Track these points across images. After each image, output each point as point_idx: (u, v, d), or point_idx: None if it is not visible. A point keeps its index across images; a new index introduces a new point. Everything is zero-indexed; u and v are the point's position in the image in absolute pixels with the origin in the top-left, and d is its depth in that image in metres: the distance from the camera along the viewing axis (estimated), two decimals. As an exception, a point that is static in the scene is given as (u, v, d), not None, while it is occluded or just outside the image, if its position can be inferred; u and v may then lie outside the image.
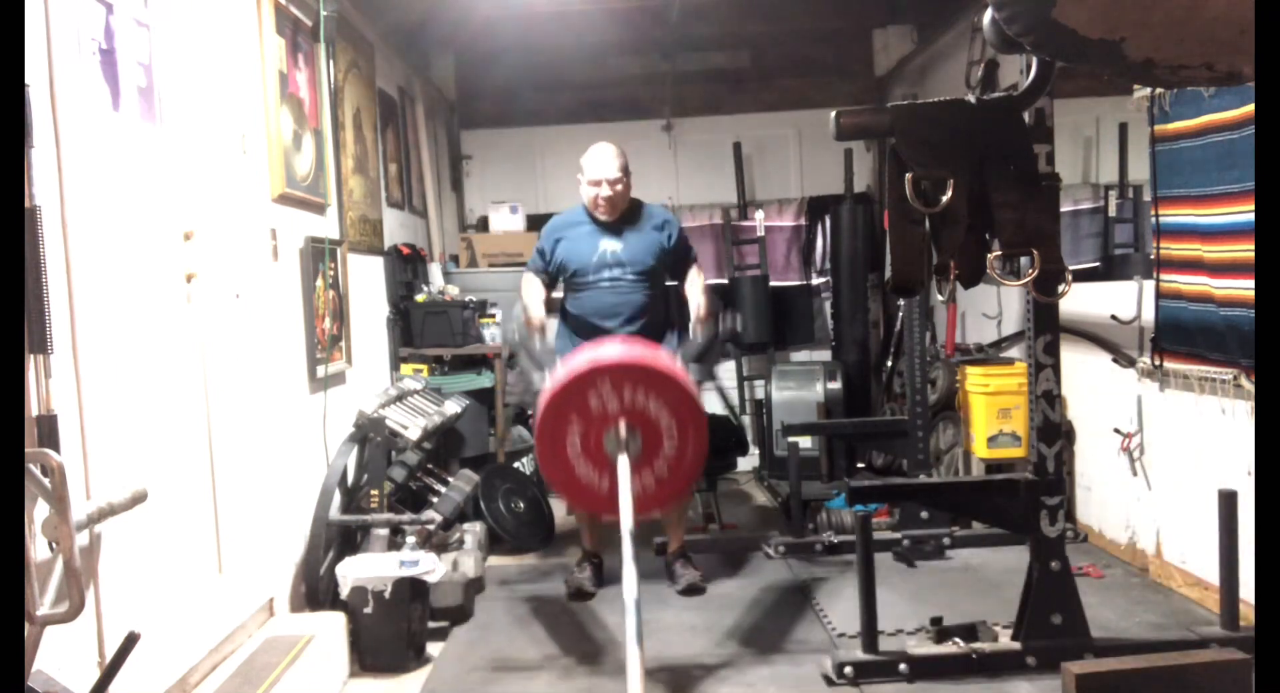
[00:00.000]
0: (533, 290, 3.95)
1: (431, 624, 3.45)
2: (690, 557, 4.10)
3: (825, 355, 6.36)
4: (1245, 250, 3.09)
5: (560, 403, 2.72)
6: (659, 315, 4.03)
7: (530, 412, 5.34)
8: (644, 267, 3.91)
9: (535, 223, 6.24)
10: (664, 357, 2.96)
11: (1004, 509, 3.20)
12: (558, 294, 4.13)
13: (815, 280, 6.53)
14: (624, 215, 3.96)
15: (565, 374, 2.77)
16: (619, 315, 3.89)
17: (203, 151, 2.89)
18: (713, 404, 6.21)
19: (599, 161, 3.88)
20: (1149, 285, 3.72)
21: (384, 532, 3.57)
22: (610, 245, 3.91)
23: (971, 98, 2.89)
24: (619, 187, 3.85)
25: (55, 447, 1.97)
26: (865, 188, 6.49)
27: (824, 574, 4.09)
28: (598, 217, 3.95)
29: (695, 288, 3.94)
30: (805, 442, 5.17)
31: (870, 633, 3.06)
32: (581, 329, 3.93)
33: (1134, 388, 3.91)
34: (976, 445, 4.64)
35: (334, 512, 3.59)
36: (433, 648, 3.41)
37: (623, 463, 2.65)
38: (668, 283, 4.10)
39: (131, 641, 1.96)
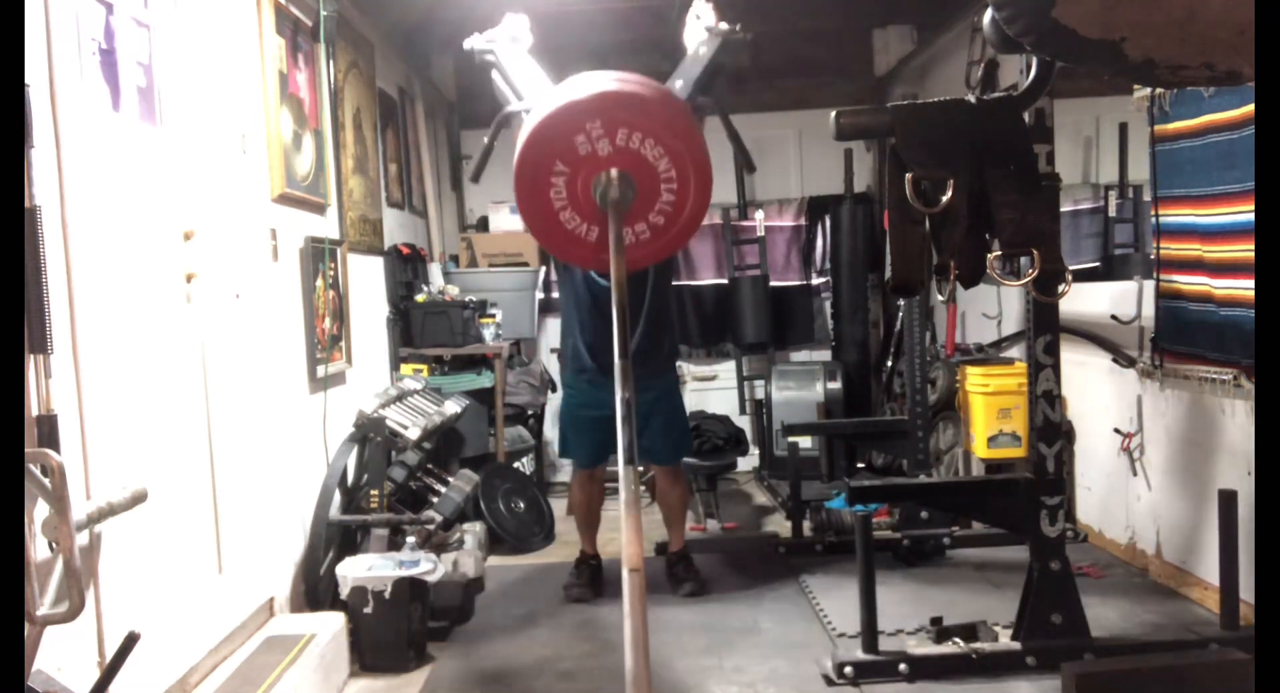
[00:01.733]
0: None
1: (431, 624, 3.45)
2: (692, 560, 4.09)
3: (825, 355, 6.36)
4: (1245, 250, 3.09)
5: (544, 144, 2.33)
6: (659, 345, 3.98)
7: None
8: (638, 277, 3.75)
9: (535, 223, 6.24)
10: (662, 88, 2.54)
11: (1004, 509, 3.21)
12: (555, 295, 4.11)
13: (815, 280, 6.53)
14: None
15: (547, 109, 2.37)
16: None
17: (203, 151, 2.89)
18: (714, 405, 6.23)
19: None
20: (1149, 285, 3.72)
21: (384, 532, 3.58)
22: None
23: (971, 98, 2.89)
24: None
25: (55, 447, 1.97)
26: (865, 188, 6.49)
27: (824, 574, 4.09)
28: None
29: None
30: (805, 442, 5.17)
31: (870, 633, 3.06)
32: (582, 361, 3.93)
33: (1134, 388, 3.91)
34: (976, 445, 4.64)
35: (334, 512, 3.59)
36: (433, 648, 3.41)
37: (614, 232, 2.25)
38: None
39: (131, 641, 1.96)
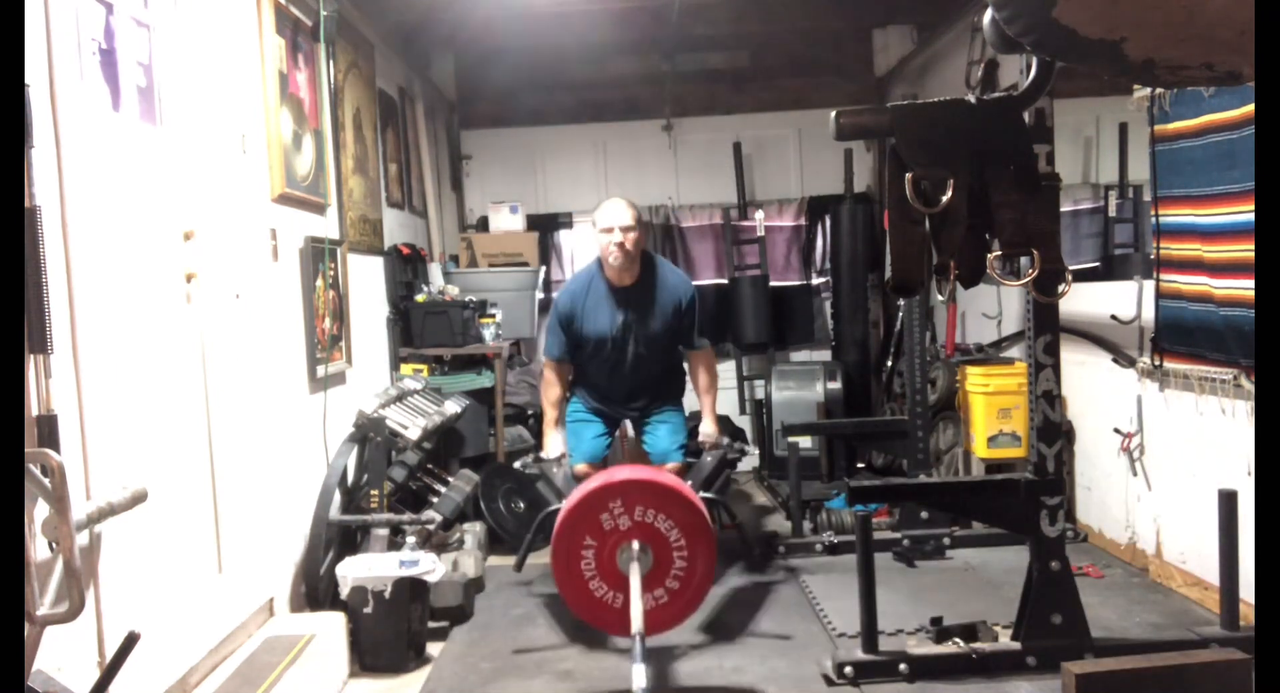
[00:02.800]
0: (552, 394, 4.11)
1: (431, 624, 3.45)
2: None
3: (825, 355, 6.36)
4: (1245, 250, 3.09)
5: (574, 522, 2.87)
6: (671, 384, 4.17)
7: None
8: (658, 341, 3.98)
9: (535, 223, 6.25)
10: (672, 477, 3.13)
11: (1004, 509, 3.20)
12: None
13: (815, 280, 6.53)
14: (640, 279, 3.96)
15: (578, 495, 2.92)
16: (631, 384, 4.03)
17: (203, 151, 2.89)
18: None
19: (612, 211, 3.89)
20: (1149, 285, 3.72)
21: (384, 532, 3.57)
22: (626, 317, 3.95)
23: (971, 98, 2.89)
24: (631, 234, 3.83)
25: (55, 447, 1.97)
26: (865, 188, 6.49)
27: (824, 574, 4.09)
28: (610, 274, 3.93)
29: (707, 395, 4.11)
30: (805, 442, 5.17)
31: (870, 633, 3.06)
32: (595, 391, 4.11)
33: (1134, 388, 3.91)
34: (976, 445, 4.64)
35: (334, 512, 3.59)
36: (433, 648, 3.41)
37: (634, 572, 2.79)
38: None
39: (131, 641, 1.96)
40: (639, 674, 2.53)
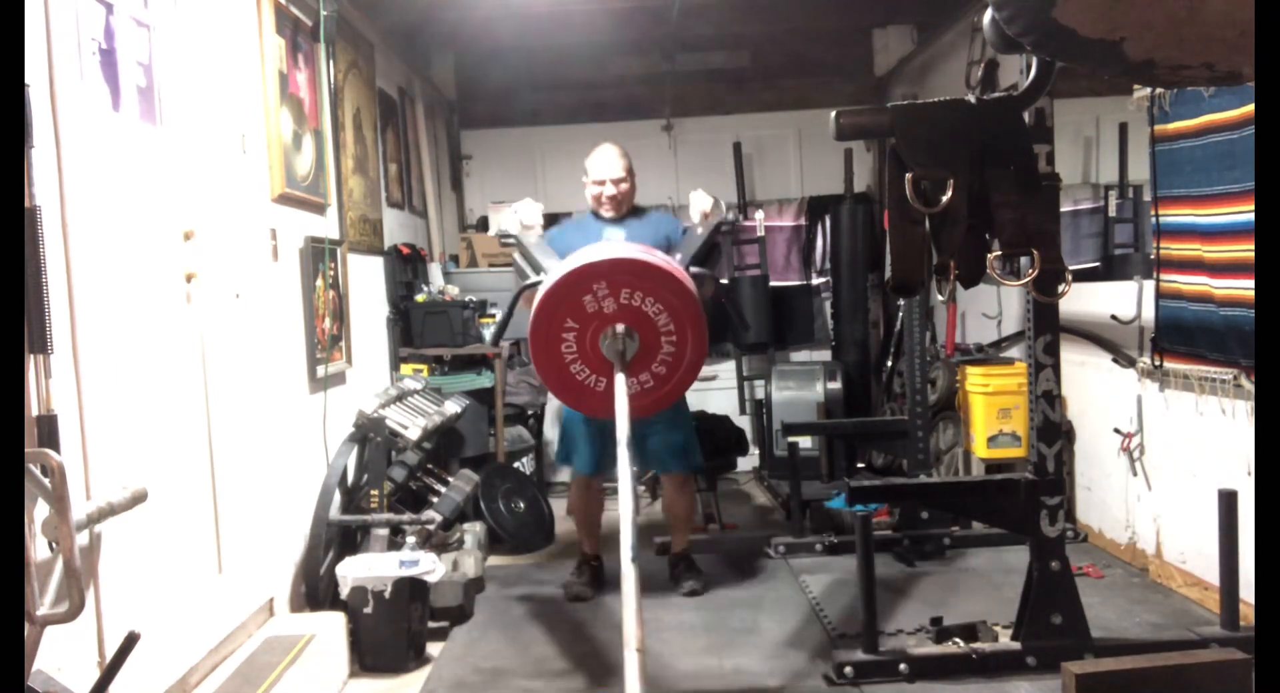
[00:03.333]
0: (528, 206, 3.81)
1: (431, 624, 3.45)
2: (694, 561, 4.09)
3: (825, 355, 6.36)
4: (1245, 250, 3.09)
5: (555, 304, 2.62)
6: None
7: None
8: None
9: (535, 223, 6.25)
10: (662, 256, 2.83)
11: (1004, 509, 3.20)
12: None
13: (815, 280, 6.53)
14: (629, 212, 3.92)
15: (560, 274, 2.65)
16: None
17: (203, 151, 2.89)
18: (714, 405, 6.22)
19: (603, 161, 3.85)
20: (1149, 285, 3.72)
21: (384, 532, 3.58)
22: (613, 233, 3.82)
23: (971, 98, 2.89)
24: (623, 186, 3.82)
25: (55, 447, 1.97)
26: (865, 188, 6.49)
27: (824, 575, 4.09)
28: (602, 214, 3.91)
29: (700, 195, 3.71)
30: (805, 442, 5.17)
31: (870, 633, 3.06)
32: None
33: (1134, 388, 3.91)
34: (976, 445, 4.64)
35: (334, 512, 3.59)
36: (433, 648, 3.41)
37: (620, 382, 2.50)
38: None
39: (131, 641, 1.96)
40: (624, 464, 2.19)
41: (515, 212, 3.62)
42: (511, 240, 3.50)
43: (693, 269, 3.05)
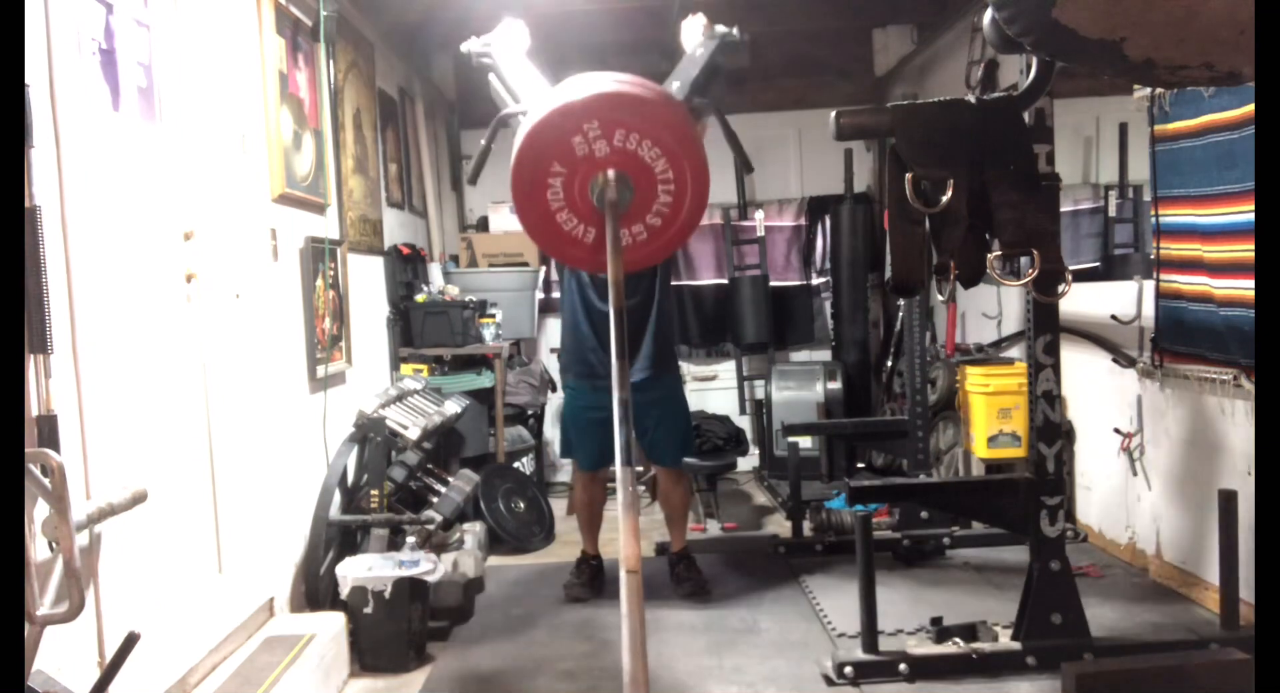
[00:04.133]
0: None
1: (431, 624, 3.45)
2: (693, 560, 4.09)
3: (825, 355, 6.36)
4: (1245, 250, 3.09)
5: (541, 146, 2.34)
6: (663, 349, 3.98)
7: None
8: (637, 276, 3.78)
9: (535, 223, 6.24)
10: (659, 89, 2.54)
11: (1004, 509, 3.21)
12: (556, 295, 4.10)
13: (815, 280, 6.53)
14: None
15: (545, 110, 2.37)
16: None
17: (203, 151, 2.89)
18: (714, 405, 6.23)
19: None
20: (1149, 285, 3.72)
21: (384, 532, 3.58)
22: None
23: (971, 98, 2.89)
24: None
25: (55, 447, 1.97)
26: (865, 188, 6.49)
27: (824, 574, 4.09)
28: None
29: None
30: (805, 442, 5.17)
31: (870, 633, 3.06)
32: (589, 354, 3.92)
33: (1134, 388, 3.91)
34: (976, 445, 4.64)
35: (334, 512, 3.59)
36: (433, 648, 3.41)
37: (611, 234, 2.26)
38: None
39: (131, 641, 1.96)
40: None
41: (498, 32, 3.04)
42: (488, 59, 2.96)
43: (694, 101, 2.71)
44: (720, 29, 2.84)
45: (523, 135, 2.34)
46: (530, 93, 2.68)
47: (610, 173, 2.29)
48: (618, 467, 2.03)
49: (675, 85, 2.64)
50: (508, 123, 2.63)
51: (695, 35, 2.90)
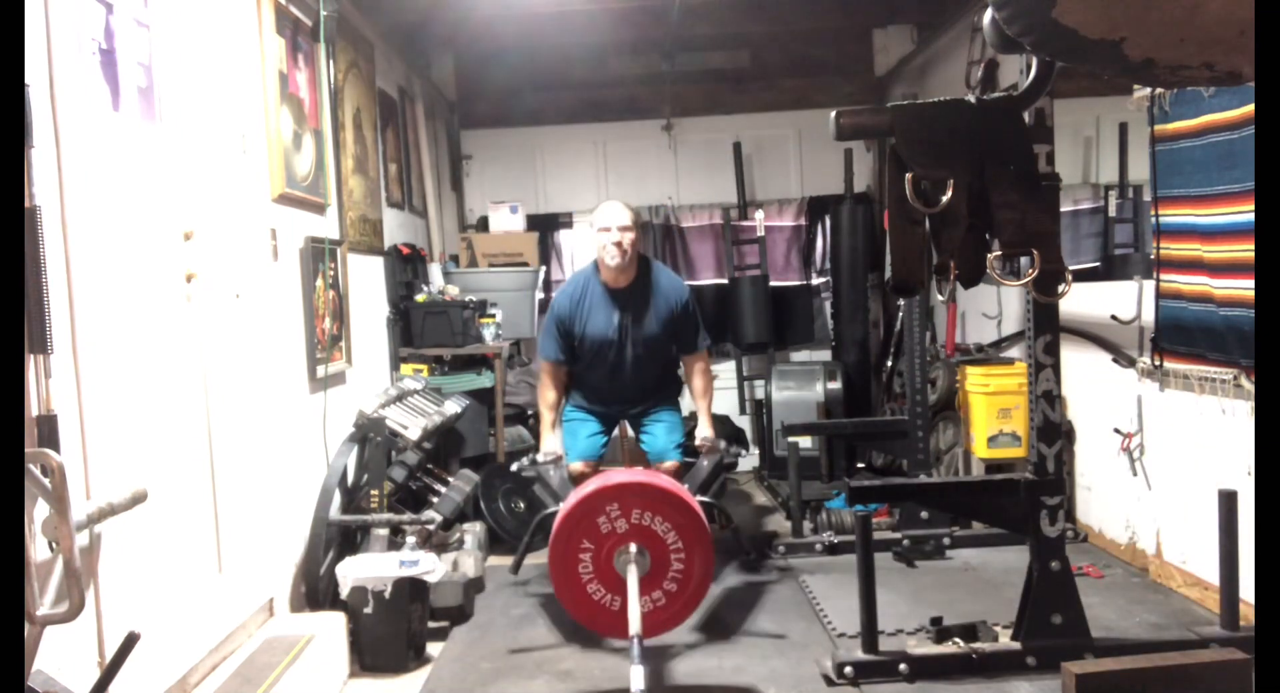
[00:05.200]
0: (549, 397, 4.09)
1: (431, 624, 3.45)
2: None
3: (825, 355, 6.36)
4: (1245, 250, 3.09)
5: (571, 526, 2.89)
6: (668, 385, 4.19)
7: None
8: (655, 342, 4.00)
9: (535, 223, 6.25)
10: (669, 480, 3.13)
11: (1004, 509, 3.20)
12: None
13: (815, 280, 6.53)
14: (635, 281, 3.99)
15: (575, 499, 2.93)
16: (628, 385, 4.04)
17: (203, 151, 2.89)
18: (714, 405, 6.22)
19: (610, 211, 3.96)
20: (1149, 285, 3.72)
21: (384, 532, 3.58)
22: (624, 318, 3.97)
23: (971, 98, 2.89)
24: (629, 235, 3.87)
25: (55, 447, 1.97)
26: (865, 188, 6.49)
27: (824, 574, 4.09)
28: (606, 276, 3.96)
29: (703, 399, 4.10)
30: (805, 442, 5.17)
31: (870, 633, 3.06)
32: (592, 393, 4.12)
33: (1134, 388, 3.91)
34: (976, 445, 4.64)
35: (334, 512, 3.59)
36: (433, 648, 3.41)
37: (632, 575, 2.82)
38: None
39: (131, 641, 1.96)
40: (637, 676, 2.53)
41: (543, 453, 3.96)
42: (533, 472, 3.87)
43: (699, 499, 3.33)
44: (721, 447, 3.94)
45: (558, 519, 2.93)
46: (564, 492, 3.49)
47: (632, 545, 2.84)
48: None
49: (685, 486, 3.27)
50: (548, 522, 3.34)
51: (703, 444, 3.95)
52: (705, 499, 3.61)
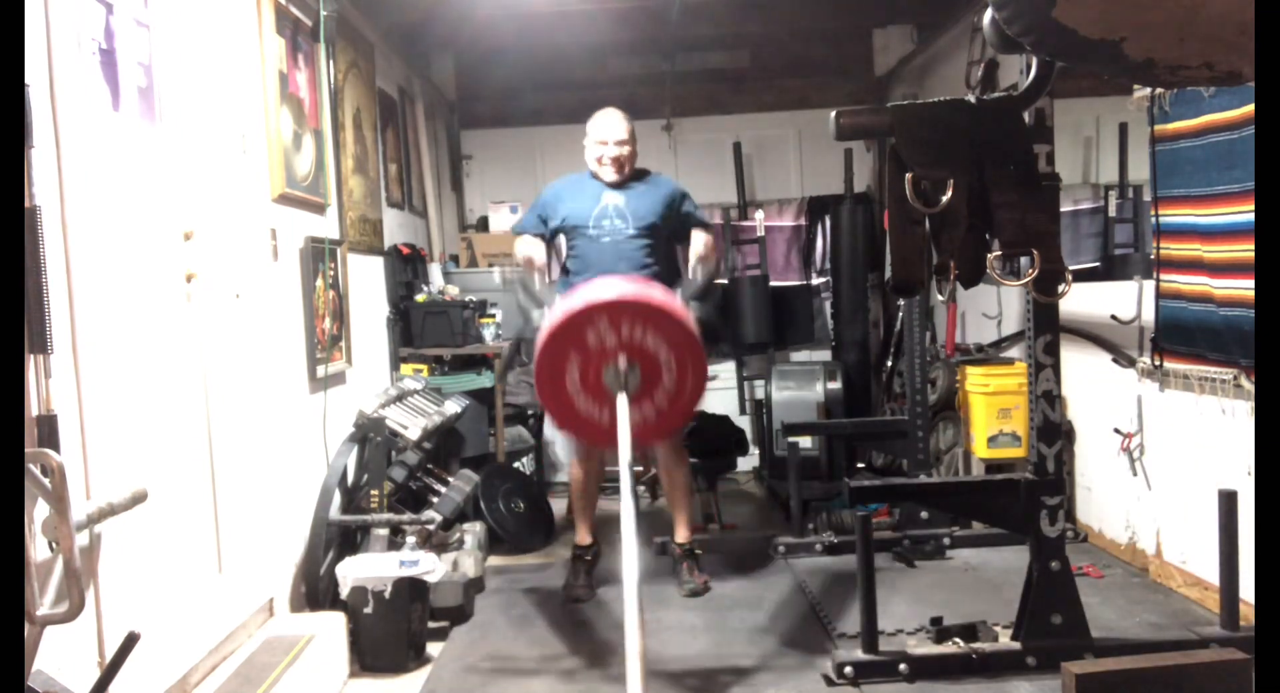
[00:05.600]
0: (529, 242, 3.92)
1: (431, 624, 3.45)
2: (698, 558, 4.09)
3: (825, 355, 6.35)
4: (1245, 250, 3.09)
5: (559, 340, 2.69)
6: (663, 275, 3.93)
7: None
8: (647, 222, 3.86)
9: (535, 223, 6.25)
10: (661, 292, 2.94)
11: (1004, 509, 3.20)
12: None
13: (815, 280, 6.53)
14: (630, 176, 3.92)
15: (563, 312, 2.73)
16: (618, 272, 3.74)
17: (203, 151, 2.89)
18: (714, 405, 6.22)
19: (606, 123, 3.87)
20: (1149, 285, 3.72)
21: (384, 532, 3.58)
22: (613, 199, 3.85)
23: (971, 98, 2.89)
24: (625, 148, 3.83)
25: (55, 447, 1.97)
26: (865, 188, 6.49)
27: (824, 574, 4.08)
28: (602, 177, 3.89)
29: (698, 237, 3.91)
30: (805, 442, 5.17)
31: (870, 633, 3.06)
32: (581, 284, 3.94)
33: (1134, 388, 3.91)
34: (976, 445, 4.64)
35: (334, 512, 3.60)
36: (433, 648, 3.41)
37: (621, 400, 2.62)
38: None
39: (131, 641, 1.96)
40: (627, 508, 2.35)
41: (518, 250, 3.73)
42: (514, 280, 3.59)
43: (692, 304, 3.17)
44: (711, 261, 3.79)
45: (544, 333, 2.72)
46: (550, 303, 3.18)
47: (621, 359, 2.64)
48: (625, 530, 2.31)
49: (677, 294, 3.11)
50: (530, 336, 3.10)
51: (695, 254, 3.80)
52: (698, 304, 3.37)
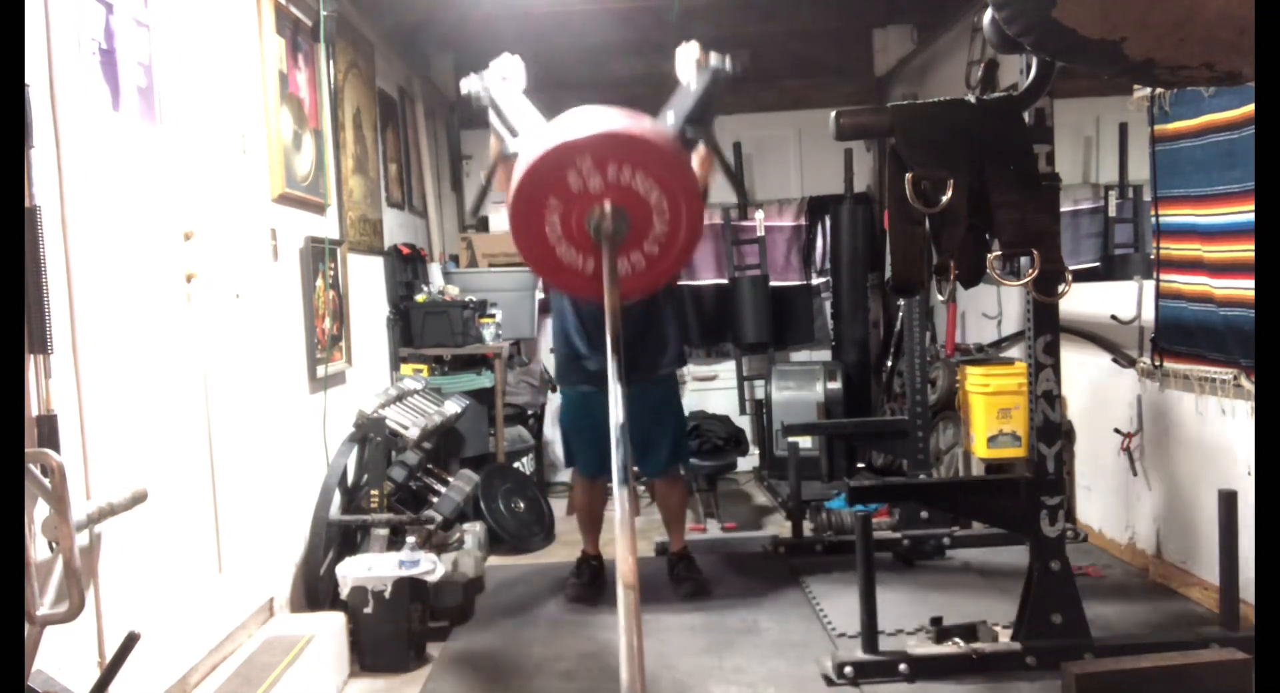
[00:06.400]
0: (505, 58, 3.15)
1: (431, 624, 3.45)
2: (693, 560, 4.09)
3: (825, 355, 6.35)
4: (1245, 250, 3.09)
5: (535, 183, 2.34)
6: (658, 342, 3.93)
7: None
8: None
9: (535, 223, 6.24)
10: (651, 124, 2.56)
11: (1004, 509, 3.21)
12: None
13: (815, 280, 6.52)
14: None
15: (539, 149, 2.38)
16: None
17: (203, 151, 2.89)
18: (714, 405, 6.23)
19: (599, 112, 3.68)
20: (1149, 285, 3.72)
21: (384, 532, 3.58)
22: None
23: (971, 98, 2.89)
24: None
25: (55, 447, 1.97)
26: (865, 188, 6.48)
27: (824, 574, 4.08)
28: None
29: (687, 48, 3.15)
30: (805, 442, 5.17)
31: (870, 633, 3.06)
32: (579, 340, 3.93)
33: (1134, 388, 3.91)
34: (976, 445, 4.64)
35: (334, 512, 3.60)
36: (433, 648, 3.41)
37: (608, 263, 2.28)
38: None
39: (131, 641, 1.96)
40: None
41: (492, 68, 3.03)
42: (486, 96, 2.94)
43: (688, 131, 2.69)
44: (714, 61, 2.80)
45: (518, 174, 2.34)
46: (527, 129, 2.68)
47: (606, 205, 2.28)
48: (614, 485, 2.03)
49: (669, 116, 2.65)
50: (506, 160, 2.59)
51: (689, 64, 2.94)
52: (694, 130, 2.74)
